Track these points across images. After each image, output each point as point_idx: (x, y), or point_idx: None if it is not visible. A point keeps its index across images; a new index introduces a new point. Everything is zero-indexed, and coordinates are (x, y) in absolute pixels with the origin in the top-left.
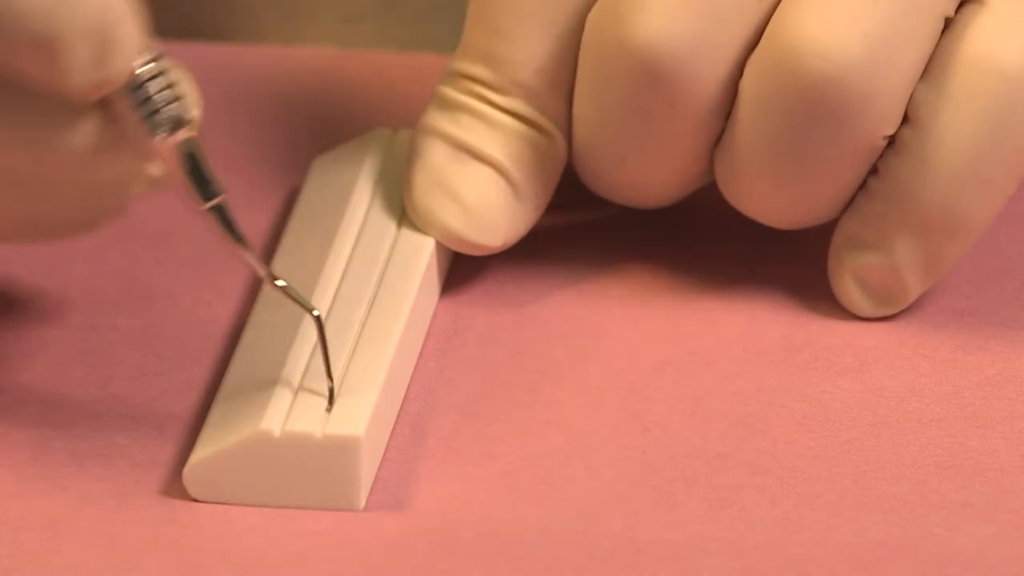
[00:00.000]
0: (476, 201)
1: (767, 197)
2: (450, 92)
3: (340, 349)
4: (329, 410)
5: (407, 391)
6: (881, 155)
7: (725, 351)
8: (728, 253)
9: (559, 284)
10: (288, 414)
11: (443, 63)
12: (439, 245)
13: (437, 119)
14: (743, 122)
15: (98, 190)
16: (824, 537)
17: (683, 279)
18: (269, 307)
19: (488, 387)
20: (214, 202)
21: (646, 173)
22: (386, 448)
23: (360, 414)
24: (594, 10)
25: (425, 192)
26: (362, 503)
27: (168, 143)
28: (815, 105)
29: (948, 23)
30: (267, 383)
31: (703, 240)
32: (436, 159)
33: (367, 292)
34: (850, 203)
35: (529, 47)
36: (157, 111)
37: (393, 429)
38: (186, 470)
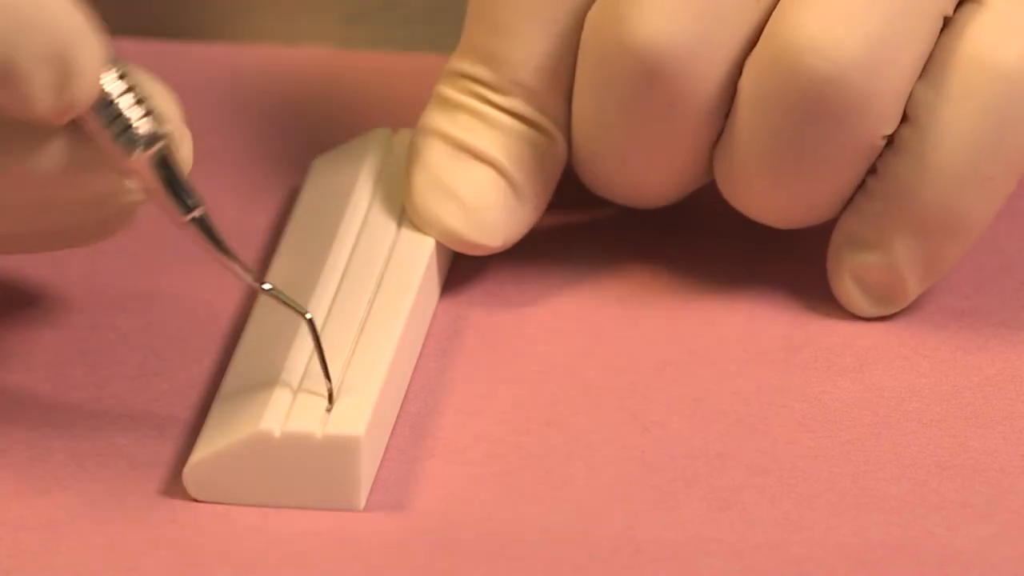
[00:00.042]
0: (476, 201)
1: (766, 196)
2: (450, 92)
3: (340, 349)
4: (329, 410)
5: (407, 391)
6: (880, 154)
7: (725, 351)
8: (728, 253)
9: (559, 284)
10: (288, 414)
11: (443, 63)
12: (439, 245)
13: (437, 119)
14: (742, 122)
15: (83, 207)
16: (824, 537)
17: (683, 279)
18: (269, 307)
19: (488, 387)
20: (194, 214)
21: (646, 173)
22: (386, 448)
23: (360, 414)
24: (593, 9)
25: (425, 192)
26: (362, 503)
27: (142, 159)
28: (814, 104)
29: (947, 22)
30: (267, 383)
31: (703, 240)
32: (436, 159)
33: (367, 292)
34: (849, 202)
35: (529, 46)
36: (128, 128)
37: (393, 429)
38: (186, 470)
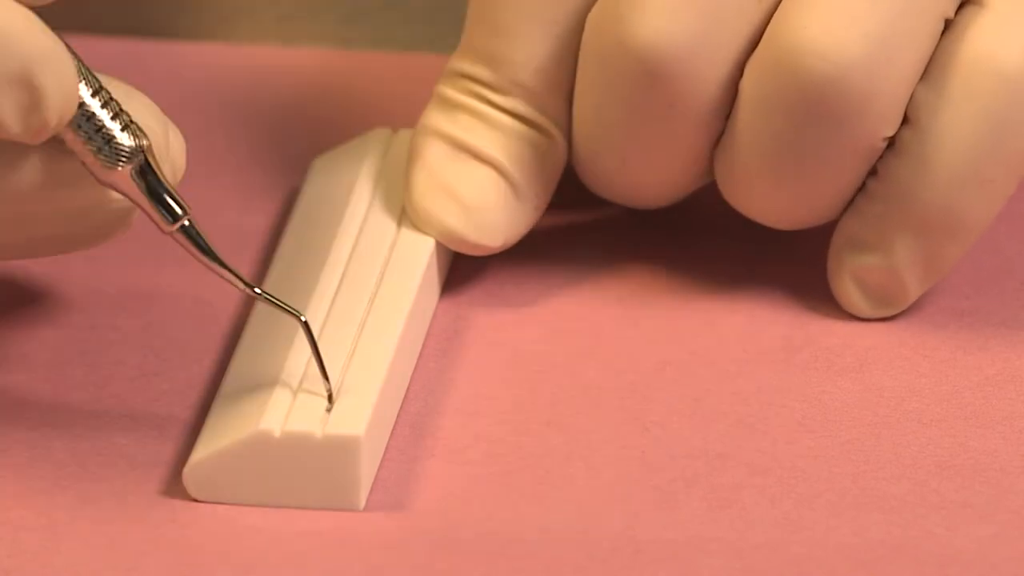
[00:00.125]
0: (476, 201)
1: (767, 197)
2: (450, 92)
3: (340, 349)
4: (329, 410)
5: (407, 391)
6: (881, 156)
7: (725, 351)
8: (728, 253)
9: (559, 284)
10: (288, 414)
11: (443, 63)
12: (439, 245)
13: (437, 119)
14: (743, 122)
15: (68, 219)
16: (824, 537)
17: (683, 279)
18: (269, 308)
19: (488, 387)
20: (180, 223)
21: (646, 173)
22: (386, 448)
23: (360, 414)
24: (594, 10)
25: (425, 192)
26: (362, 503)
27: (124, 172)
28: (815, 105)
29: (948, 24)
30: (267, 383)
31: (703, 240)
32: (436, 159)
33: (367, 292)
34: (850, 204)
35: (529, 47)
36: (108, 143)
37: (393, 429)
38: (186, 470)
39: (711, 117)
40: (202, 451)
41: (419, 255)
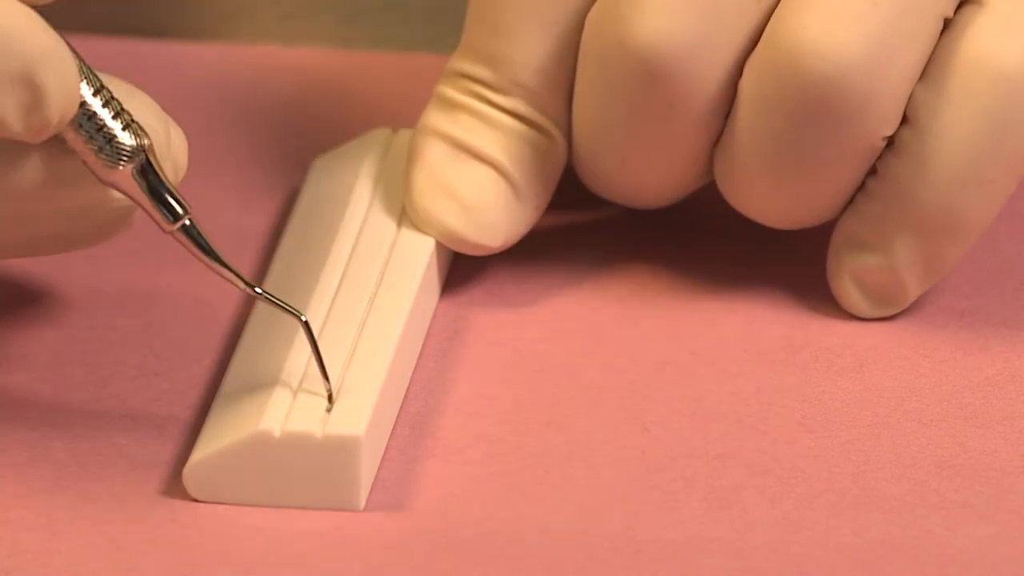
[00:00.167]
0: (476, 201)
1: (767, 197)
2: (450, 92)
3: (340, 349)
4: (329, 410)
5: (407, 391)
6: (880, 156)
7: (725, 351)
8: (728, 253)
9: (559, 284)
10: (288, 414)
11: (443, 63)
12: (439, 245)
13: (437, 119)
14: (743, 122)
15: (70, 218)
16: (824, 537)
17: (683, 279)
18: (269, 308)
19: (488, 387)
20: (181, 222)
21: (646, 173)
22: (386, 448)
23: (360, 414)
24: (594, 10)
25: (425, 192)
26: (362, 503)
27: (125, 172)
28: (815, 105)
29: (947, 24)
30: (267, 383)
31: (703, 240)
32: (436, 159)
33: (367, 292)
34: (849, 204)
35: (529, 48)
36: (109, 142)
37: (393, 429)
38: (186, 470)
39: (711, 117)
40: (202, 451)
41: (419, 255)
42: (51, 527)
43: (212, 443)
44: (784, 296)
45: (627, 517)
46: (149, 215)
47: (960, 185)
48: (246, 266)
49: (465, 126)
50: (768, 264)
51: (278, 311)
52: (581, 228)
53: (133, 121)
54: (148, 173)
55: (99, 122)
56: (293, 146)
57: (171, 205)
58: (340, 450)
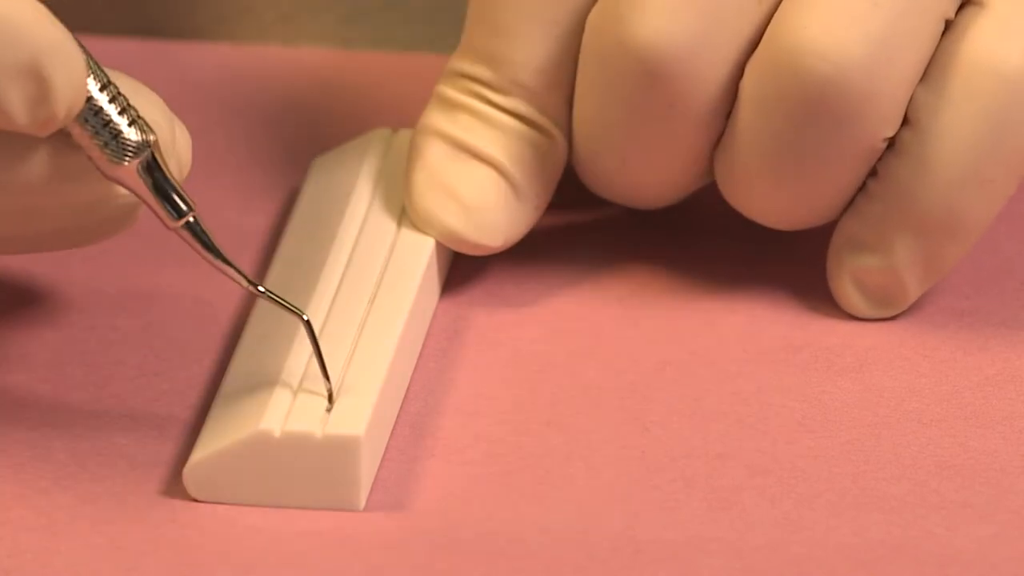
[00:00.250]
0: (476, 201)
1: (767, 198)
2: (450, 92)
3: (340, 349)
4: (329, 410)
5: (407, 391)
6: (881, 157)
7: (725, 351)
8: (728, 253)
9: (559, 284)
10: (288, 414)
11: (443, 63)
12: (439, 245)
13: (437, 119)
14: (743, 123)
15: (74, 213)
16: (824, 537)
17: (683, 279)
18: (269, 307)
19: (488, 387)
20: (186, 219)
21: (646, 173)
22: (386, 448)
23: (360, 414)
24: (594, 10)
25: (425, 192)
26: (362, 503)
27: (130, 168)
28: (816, 106)
29: (948, 25)
30: (267, 383)
31: (703, 240)
32: (436, 159)
33: (367, 292)
34: (850, 204)
35: (529, 48)
36: (115, 138)
37: (393, 429)
38: (186, 470)
39: (711, 117)
40: (202, 451)
41: (419, 255)
42: (51, 527)
43: (212, 443)
44: (784, 296)
45: (627, 517)
46: (153, 211)
47: (960, 186)
48: (246, 266)
49: (465, 126)
50: (768, 264)
51: (278, 311)
52: (581, 228)
53: (139, 117)
54: (153, 169)
55: (105, 117)
56: (293, 146)
57: (175, 202)
58: (340, 450)
